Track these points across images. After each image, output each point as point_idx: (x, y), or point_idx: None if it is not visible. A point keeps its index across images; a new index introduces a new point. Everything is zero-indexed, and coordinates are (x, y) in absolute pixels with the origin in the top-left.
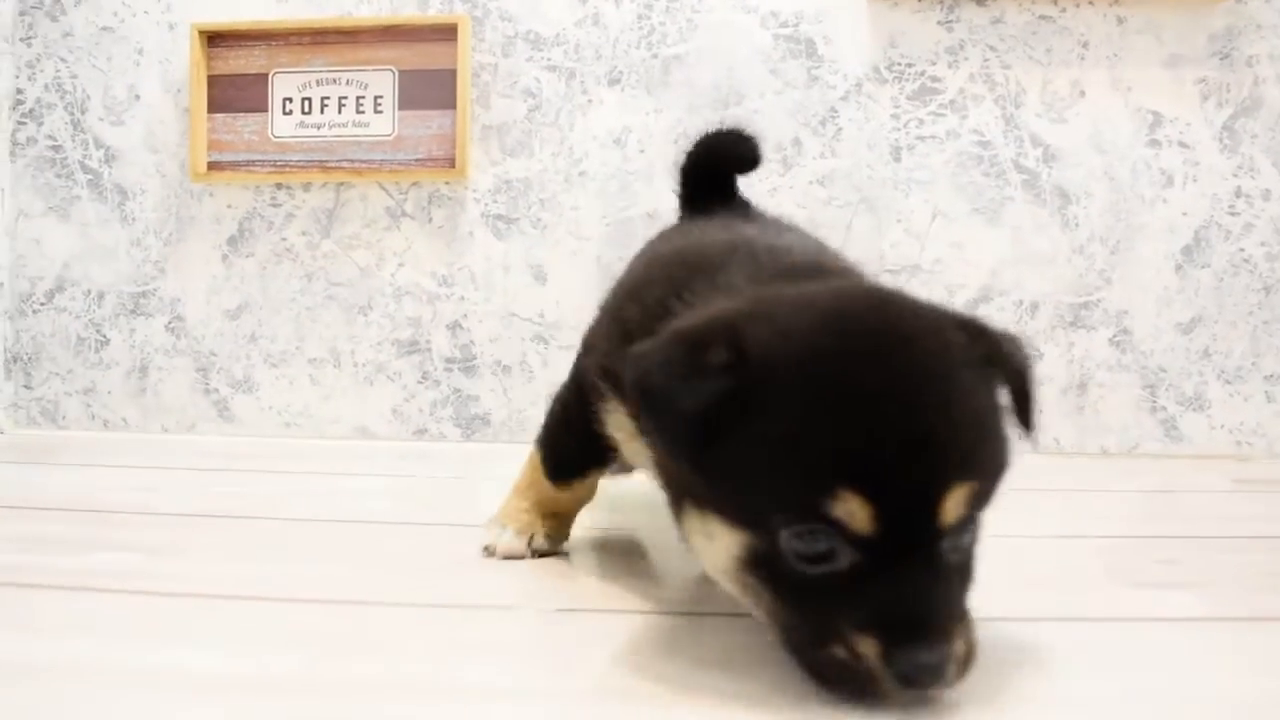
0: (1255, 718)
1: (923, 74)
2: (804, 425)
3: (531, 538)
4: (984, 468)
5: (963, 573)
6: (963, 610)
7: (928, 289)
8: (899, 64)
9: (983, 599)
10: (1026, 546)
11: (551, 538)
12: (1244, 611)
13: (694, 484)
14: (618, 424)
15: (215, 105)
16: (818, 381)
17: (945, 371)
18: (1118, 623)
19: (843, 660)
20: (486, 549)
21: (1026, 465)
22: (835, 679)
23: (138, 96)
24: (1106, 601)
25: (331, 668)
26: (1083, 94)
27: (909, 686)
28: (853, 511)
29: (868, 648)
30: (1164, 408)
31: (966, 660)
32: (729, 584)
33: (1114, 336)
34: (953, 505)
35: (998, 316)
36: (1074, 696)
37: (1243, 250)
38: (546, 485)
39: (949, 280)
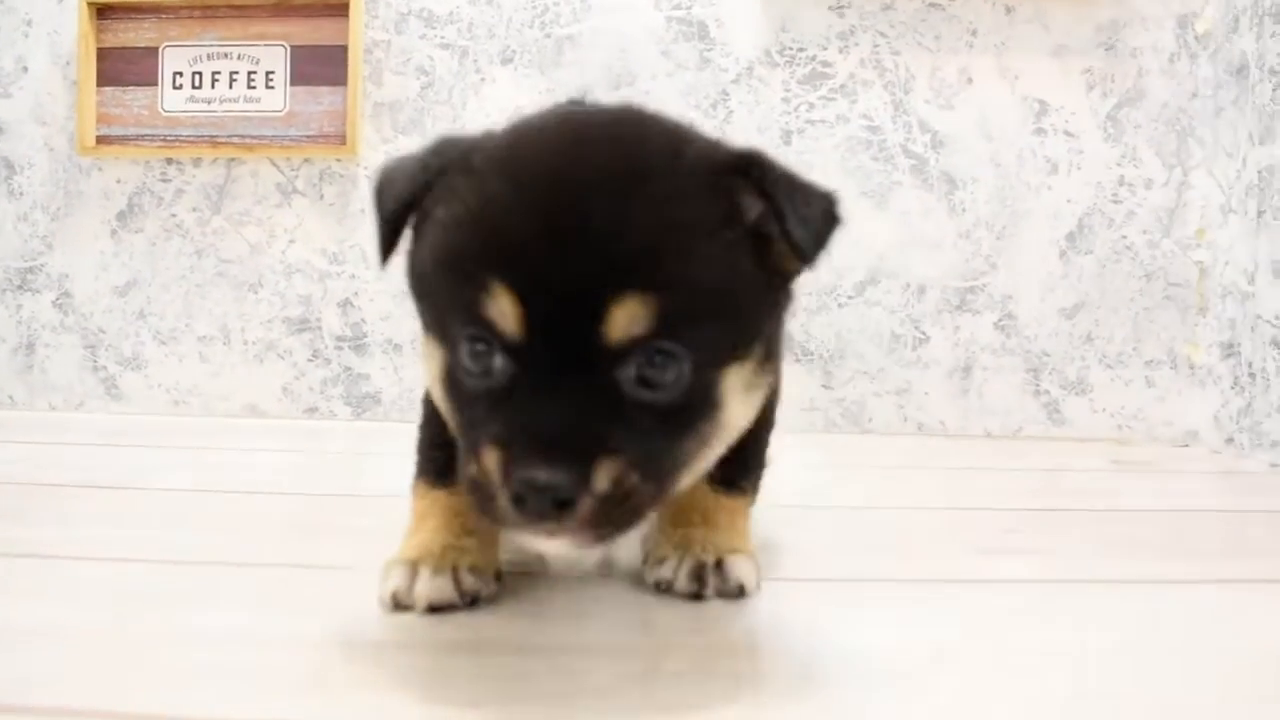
0: (1054, 667)
1: (814, 59)
2: (471, 219)
3: (456, 571)
4: (670, 283)
5: (659, 416)
6: (635, 450)
7: (816, 272)
8: (790, 48)
9: (821, 561)
10: (880, 516)
11: (478, 569)
12: (1069, 575)
13: (416, 308)
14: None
15: (104, 78)
16: (493, 176)
17: (636, 178)
18: (946, 583)
19: (474, 477)
20: (395, 598)
21: (909, 446)
22: (474, 497)
23: (25, 69)
24: (942, 566)
25: (163, 618)
26: (970, 81)
27: (521, 509)
28: (503, 311)
29: (490, 461)
30: (1047, 391)
31: (614, 507)
32: (442, 405)
33: (999, 321)
34: (623, 319)
35: (885, 299)
36: (884, 650)
37: (1125, 238)
38: (439, 502)
39: (837, 263)
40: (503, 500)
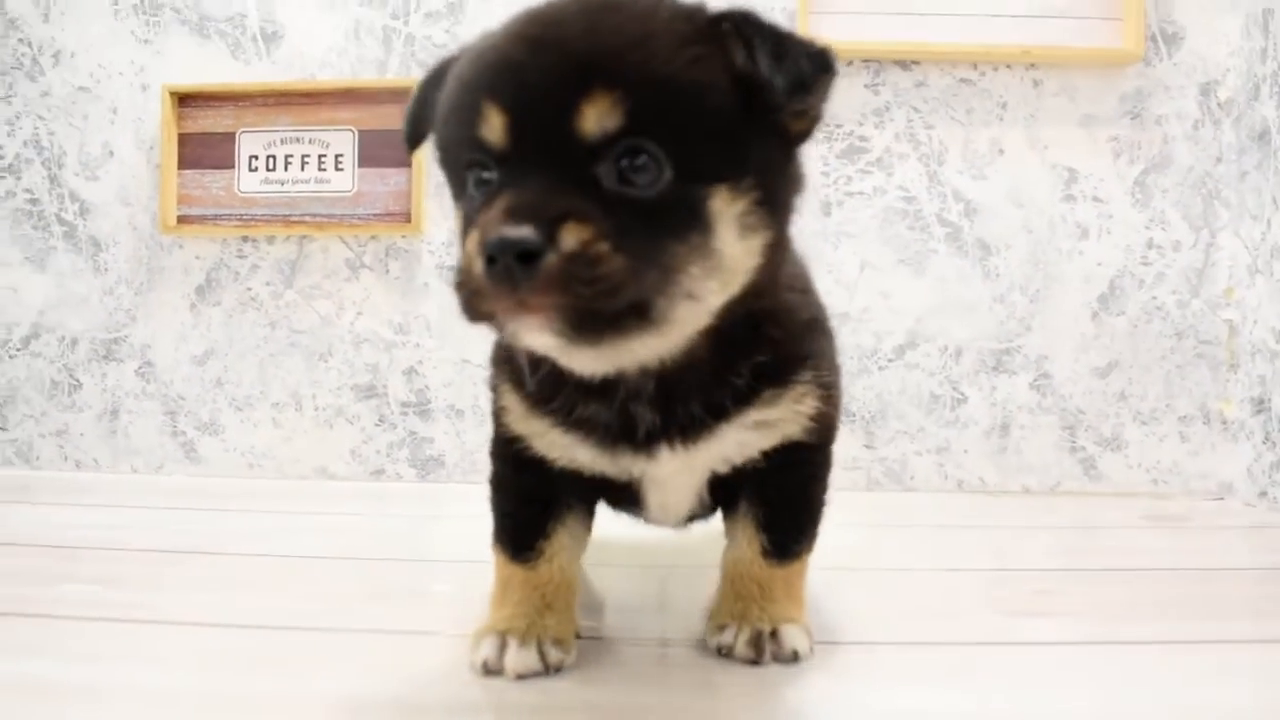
0: None
1: (851, 134)
2: (465, 72)
3: (540, 644)
4: (639, 81)
5: (640, 212)
6: (622, 235)
7: (856, 336)
8: (829, 124)
9: (865, 626)
10: (920, 579)
11: (560, 642)
12: (1098, 637)
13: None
14: (513, 403)
15: (185, 162)
16: (481, 41)
17: (612, 8)
18: (981, 646)
19: (461, 275)
20: (486, 666)
21: (949, 503)
22: (460, 294)
23: (111, 153)
24: (977, 630)
25: (247, 682)
26: (1002, 152)
27: (492, 275)
28: (492, 125)
29: (471, 244)
30: (1083, 448)
31: (591, 269)
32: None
33: (1034, 380)
34: (594, 114)
35: (924, 362)
36: (923, 713)
37: (1155, 298)
38: (518, 575)
39: (877, 327)
40: (478, 276)
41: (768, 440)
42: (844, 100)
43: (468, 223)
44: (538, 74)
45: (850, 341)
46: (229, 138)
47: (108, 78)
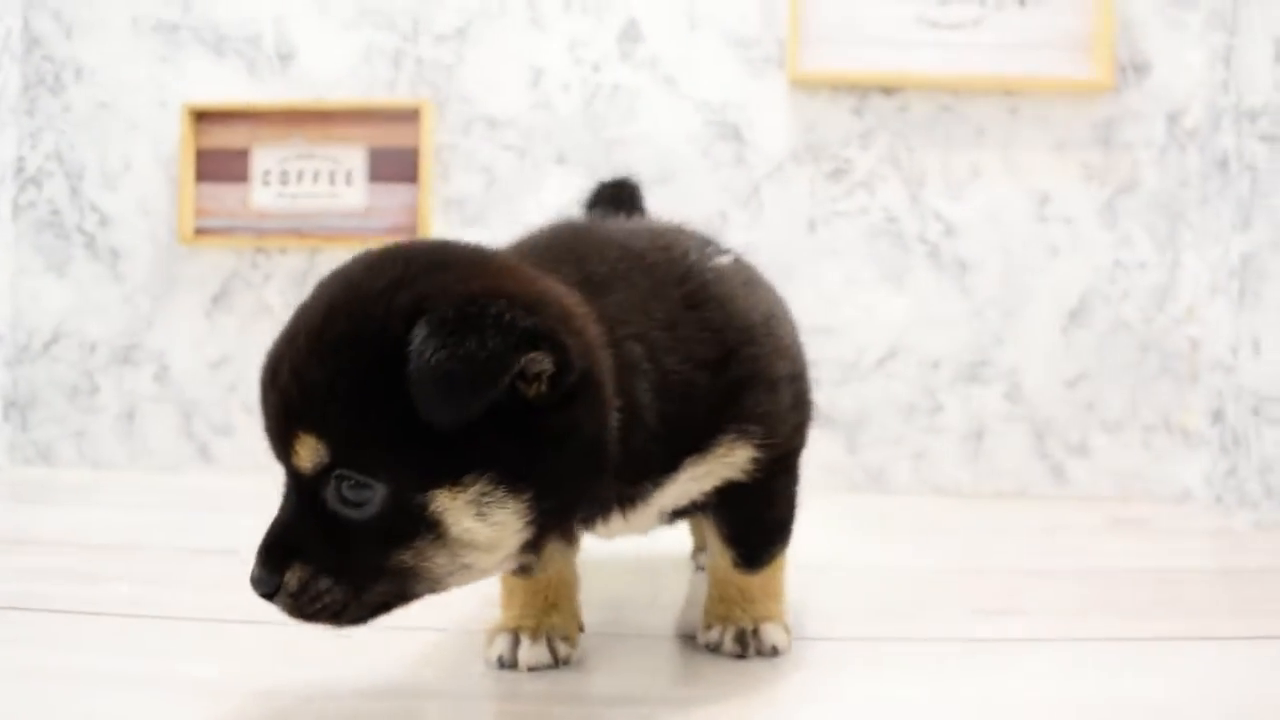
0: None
1: (836, 155)
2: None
3: (550, 640)
4: (336, 423)
5: (362, 531)
6: (343, 564)
7: (839, 348)
8: (815, 146)
9: (842, 622)
10: (895, 577)
11: (567, 638)
12: (1060, 634)
13: None
14: None
15: (202, 176)
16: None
17: (322, 329)
18: (950, 642)
19: None
20: (500, 660)
21: (925, 505)
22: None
23: (130, 166)
24: (947, 627)
25: (282, 673)
26: (978, 174)
27: (258, 593)
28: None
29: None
30: (1052, 454)
31: (304, 599)
32: None
33: (1007, 391)
34: (304, 453)
35: (903, 372)
36: (879, 697)
37: (1121, 314)
38: (520, 582)
39: (859, 340)
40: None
41: (708, 484)
42: (830, 124)
43: None
44: (268, 410)
45: (834, 353)
46: (244, 153)
47: (128, 94)
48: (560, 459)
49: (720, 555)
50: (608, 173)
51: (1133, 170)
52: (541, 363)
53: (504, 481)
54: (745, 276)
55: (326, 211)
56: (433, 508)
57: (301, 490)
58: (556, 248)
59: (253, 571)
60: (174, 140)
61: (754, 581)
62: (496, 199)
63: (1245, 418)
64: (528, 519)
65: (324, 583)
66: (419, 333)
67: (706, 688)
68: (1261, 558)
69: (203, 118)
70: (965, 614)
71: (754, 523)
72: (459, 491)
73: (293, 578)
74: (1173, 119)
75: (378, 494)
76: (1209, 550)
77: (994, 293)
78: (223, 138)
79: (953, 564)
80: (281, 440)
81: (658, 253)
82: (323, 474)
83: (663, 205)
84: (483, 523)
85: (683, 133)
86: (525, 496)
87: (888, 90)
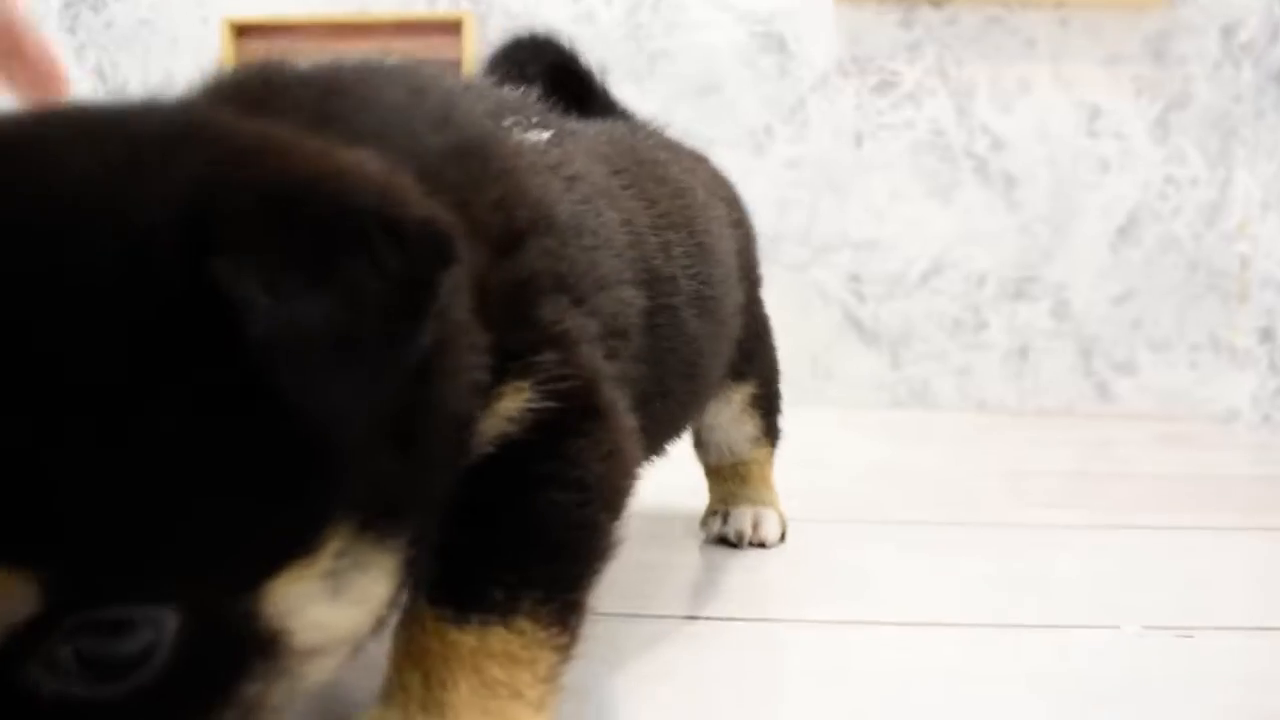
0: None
1: (883, 69)
2: None
3: None
4: (52, 539)
5: (144, 695)
6: None
7: (885, 263)
8: (861, 59)
9: (892, 508)
10: (945, 479)
11: None
12: (1112, 522)
13: None
14: None
15: None
16: None
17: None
18: (999, 527)
19: None
20: None
21: (969, 421)
22: None
23: (172, 83)
24: (998, 515)
25: None
26: (1028, 88)
27: None
28: None
29: None
30: (1097, 372)
31: None
32: None
33: (1053, 308)
34: None
35: (948, 288)
36: (945, 570)
37: (1171, 231)
38: None
39: (905, 254)
40: None
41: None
42: (877, 36)
43: None
44: None
45: (878, 269)
46: None
47: (168, 10)
48: (430, 456)
49: None
50: (653, 85)
51: (1185, 85)
52: (446, 282)
53: (372, 524)
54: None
55: None
56: (267, 612)
57: None
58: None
59: None
60: (215, 55)
61: (753, 464)
62: None
63: None
64: (400, 573)
65: None
66: (246, 271)
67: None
68: None
69: (244, 32)
70: (1017, 507)
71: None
72: (311, 564)
73: None
74: (1227, 32)
75: (162, 630)
76: (1252, 461)
77: (1042, 208)
78: (264, 51)
79: (1000, 468)
80: None
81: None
82: (31, 634)
83: (706, 118)
84: (343, 604)
85: (727, 44)
86: (399, 538)
87: (936, 2)
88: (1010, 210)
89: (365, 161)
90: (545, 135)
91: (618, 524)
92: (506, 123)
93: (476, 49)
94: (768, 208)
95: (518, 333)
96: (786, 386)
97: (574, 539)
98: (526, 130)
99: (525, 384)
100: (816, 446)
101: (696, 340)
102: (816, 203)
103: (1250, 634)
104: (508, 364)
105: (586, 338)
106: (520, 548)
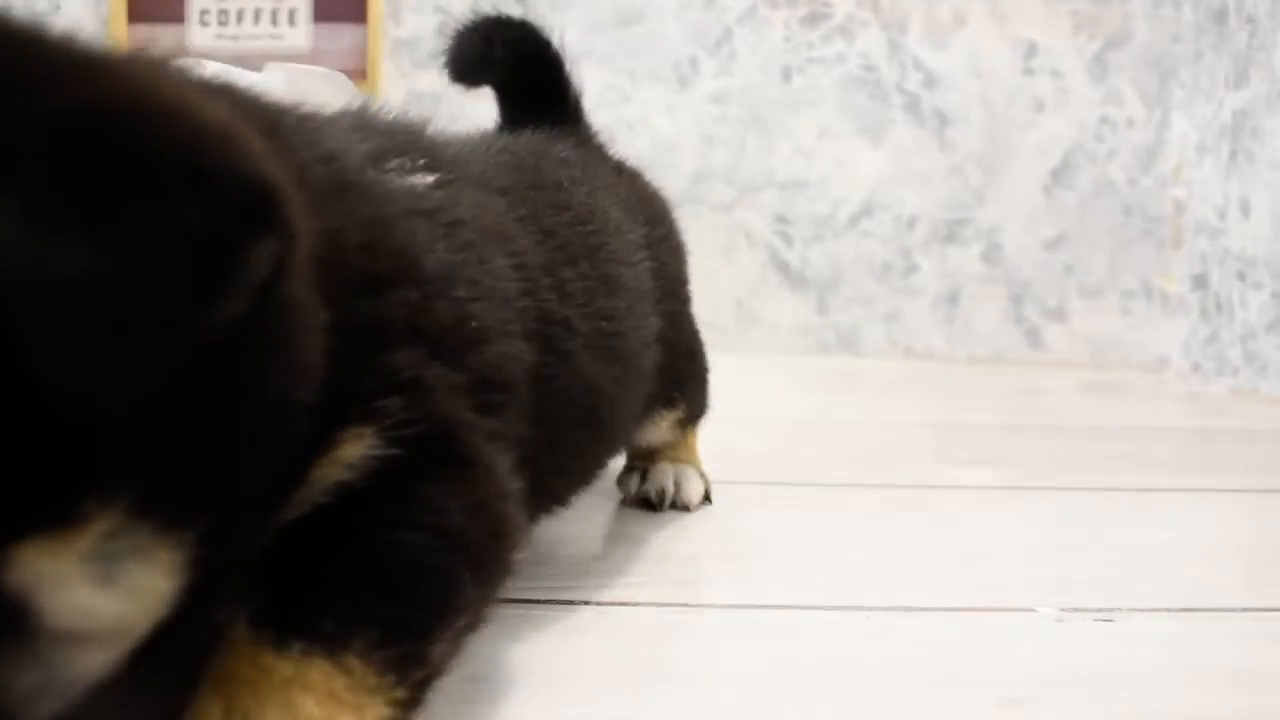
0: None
1: (814, 0)
2: None
3: None
4: None
5: None
6: None
7: (813, 204)
8: None
9: (812, 468)
10: (866, 432)
11: None
12: (1030, 483)
13: None
14: None
15: (134, 15)
16: None
17: None
18: (918, 489)
19: None
20: None
21: (898, 368)
22: None
23: (59, 7)
24: (917, 474)
25: None
26: (963, 22)
27: None
28: None
29: None
30: (1028, 318)
31: None
32: None
33: (984, 252)
34: None
35: (878, 230)
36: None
37: (1106, 174)
38: None
39: (833, 195)
40: None
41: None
42: None
43: None
44: None
45: (806, 209)
46: None
47: None
48: (239, 444)
49: None
50: (571, 15)
51: (1125, 22)
52: (262, 253)
53: (153, 508)
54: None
55: (267, 54)
56: (13, 581)
57: None
58: None
59: None
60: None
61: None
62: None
63: (1230, 282)
64: (189, 571)
65: None
66: (4, 204)
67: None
68: (1237, 420)
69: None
70: (938, 465)
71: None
72: (69, 539)
73: None
74: None
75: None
76: (1183, 412)
77: (975, 148)
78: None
79: (925, 419)
80: None
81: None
82: None
83: (627, 50)
84: (113, 593)
85: None
86: (188, 531)
87: None
88: (942, 150)
89: (210, 108)
90: (429, 179)
91: (486, 588)
92: (390, 165)
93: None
94: (692, 145)
95: (363, 377)
96: (711, 332)
97: (423, 585)
98: (410, 173)
99: (367, 430)
100: (741, 397)
101: (598, 386)
102: (743, 140)
103: (1173, 616)
104: (349, 409)
105: (445, 386)
106: (359, 580)
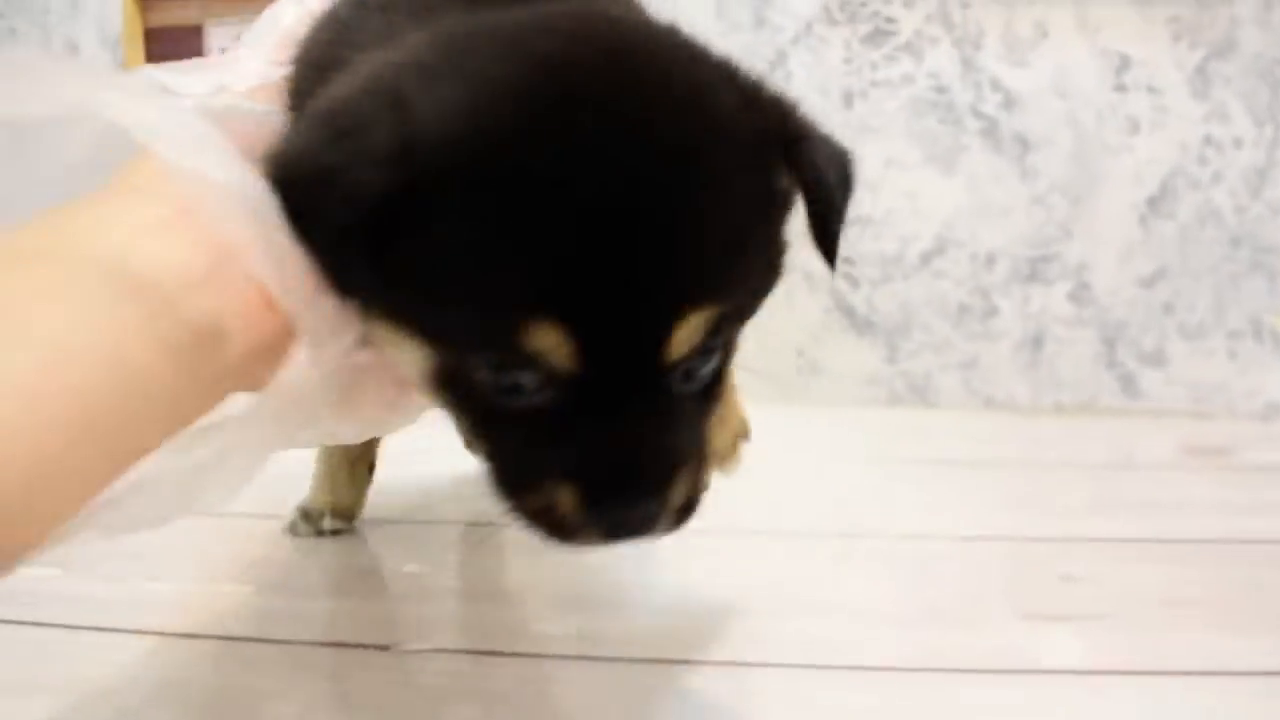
0: None
1: (876, 14)
2: (490, 238)
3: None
4: (732, 287)
5: (700, 400)
6: (690, 445)
7: (879, 242)
8: (851, 4)
9: (870, 640)
10: (929, 551)
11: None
12: (1125, 663)
13: (366, 289)
14: None
15: (151, 57)
16: (506, 175)
17: (686, 157)
18: (991, 674)
19: (543, 508)
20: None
21: (977, 428)
22: (538, 525)
23: (76, 49)
24: (988, 640)
25: None
26: (1046, 35)
27: (613, 541)
28: (552, 347)
29: (566, 498)
30: (1122, 363)
31: (687, 507)
32: (429, 396)
33: (1072, 291)
34: (685, 336)
35: (952, 270)
36: None
37: (1210, 201)
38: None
39: (902, 232)
40: (588, 533)
41: None
42: None
43: (458, 383)
44: (621, 302)
45: (872, 248)
46: (196, 31)
47: None
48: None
49: None
50: None
51: (1230, 29)
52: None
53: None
54: None
55: None
56: (725, 358)
57: (644, 387)
58: None
59: (629, 515)
60: (119, 19)
61: None
62: None
63: None
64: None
65: (697, 478)
66: (817, 166)
67: None
68: None
69: None
70: (1016, 619)
71: None
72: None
73: (679, 492)
74: None
75: (719, 358)
76: None
77: (1060, 176)
78: (172, 14)
79: (1001, 530)
80: (645, 333)
81: None
82: (690, 356)
83: None
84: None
85: None
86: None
87: None
88: (1024, 179)
89: None
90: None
91: None
92: None
93: None
94: None
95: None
96: (768, 383)
97: None
98: None
99: None
100: (799, 451)
101: None
102: None
103: None
104: None
105: None
106: None
